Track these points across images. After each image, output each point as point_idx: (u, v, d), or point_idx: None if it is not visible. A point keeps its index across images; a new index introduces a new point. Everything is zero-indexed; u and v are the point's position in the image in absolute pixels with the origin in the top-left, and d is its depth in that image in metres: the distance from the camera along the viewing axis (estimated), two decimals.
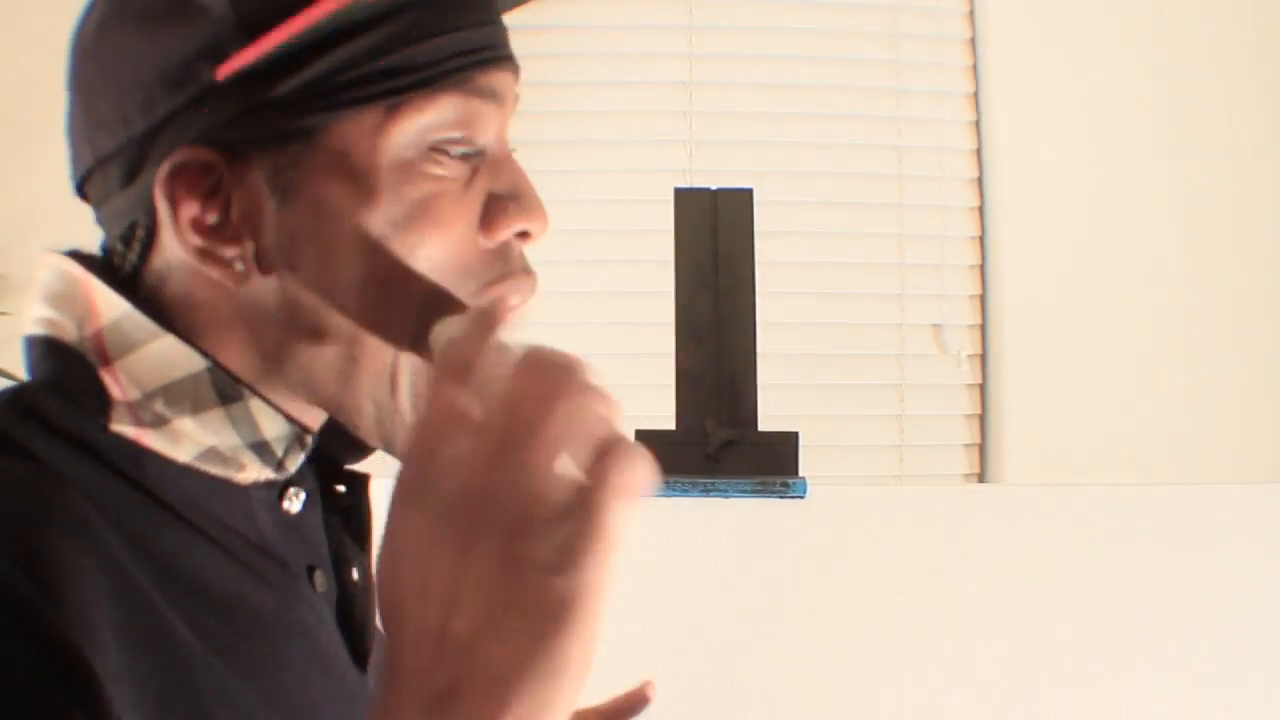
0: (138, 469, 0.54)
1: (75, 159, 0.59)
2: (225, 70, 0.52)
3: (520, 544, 0.41)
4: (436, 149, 0.55)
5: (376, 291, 0.54)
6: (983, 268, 2.14)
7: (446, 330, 0.54)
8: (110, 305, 0.55)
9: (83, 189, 0.60)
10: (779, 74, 2.15)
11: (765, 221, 1.72)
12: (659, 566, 1.58)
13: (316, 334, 0.55)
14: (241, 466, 0.57)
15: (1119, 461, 2.02)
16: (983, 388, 2.13)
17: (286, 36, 0.51)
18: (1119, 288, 2.11)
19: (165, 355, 0.54)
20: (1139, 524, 1.65)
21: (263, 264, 0.55)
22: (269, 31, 0.51)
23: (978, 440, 2.13)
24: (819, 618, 1.61)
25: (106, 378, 0.54)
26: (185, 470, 0.55)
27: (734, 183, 1.74)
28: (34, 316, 0.57)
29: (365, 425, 0.57)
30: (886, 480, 2.11)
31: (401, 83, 0.54)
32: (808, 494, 1.60)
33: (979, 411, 2.13)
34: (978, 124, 2.15)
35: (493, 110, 0.57)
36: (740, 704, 1.59)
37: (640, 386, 2.02)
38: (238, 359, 0.57)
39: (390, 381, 0.56)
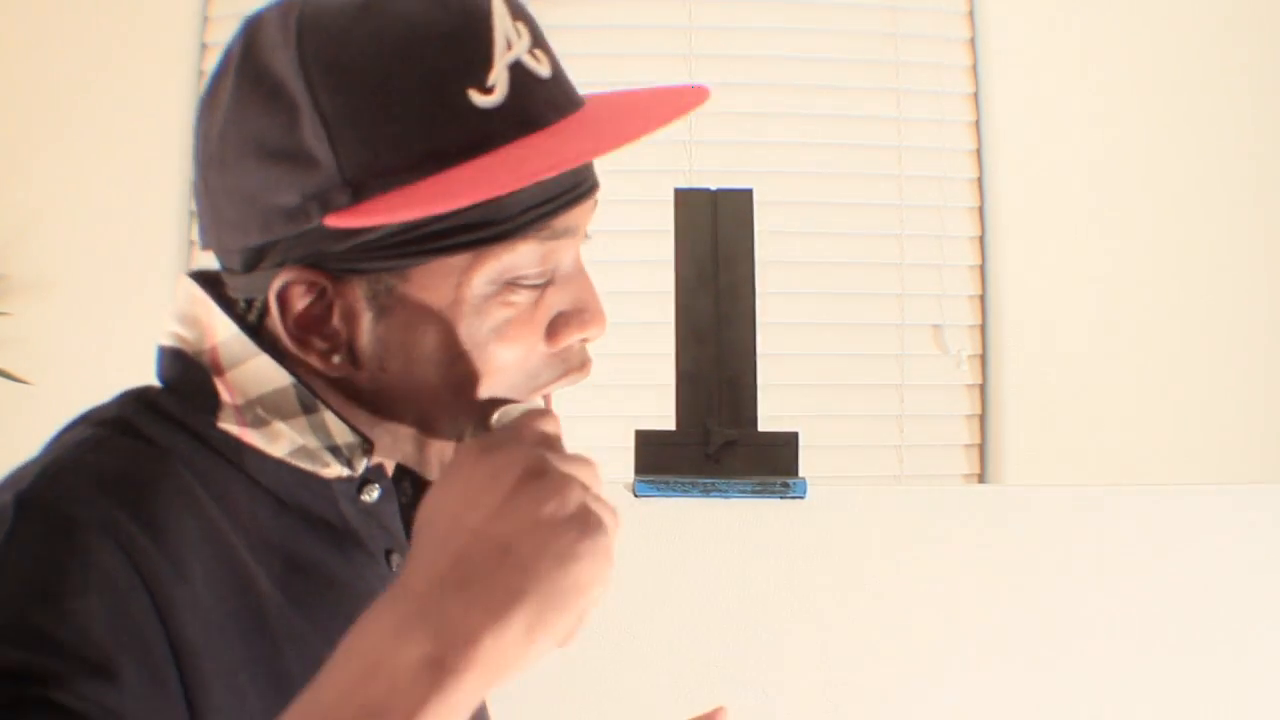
0: (240, 459, 0.64)
1: (203, 230, 0.67)
2: (332, 221, 0.59)
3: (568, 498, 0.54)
4: (512, 285, 0.63)
5: (451, 396, 0.64)
6: (983, 268, 2.14)
7: (507, 416, 0.64)
8: (224, 326, 0.65)
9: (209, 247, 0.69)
10: (779, 74, 2.15)
11: (765, 221, 1.72)
12: (659, 566, 1.58)
13: (397, 418, 0.66)
14: (326, 464, 0.65)
15: (1119, 461, 2.03)
16: (983, 388, 2.13)
17: (387, 220, 0.59)
18: (1119, 288, 2.11)
19: (262, 370, 0.64)
20: (1138, 524, 1.66)
21: (357, 361, 0.64)
22: (372, 200, 0.59)
23: (978, 440, 2.13)
24: (819, 618, 1.61)
25: (219, 384, 0.64)
26: (280, 464, 0.65)
27: (734, 183, 1.74)
28: (166, 330, 0.67)
29: (408, 460, 0.68)
30: (886, 480, 2.11)
31: (483, 235, 0.60)
32: (808, 494, 1.60)
33: (979, 411, 2.13)
34: (978, 124, 2.15)
35: (569, 243, 0.65)
36: (740, 703, 1.59)
37: (640, 386, 2.03)
38: (323, 391, 0.66)
39: (447, 444, 0.66)
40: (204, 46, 2.15)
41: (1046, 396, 2.08)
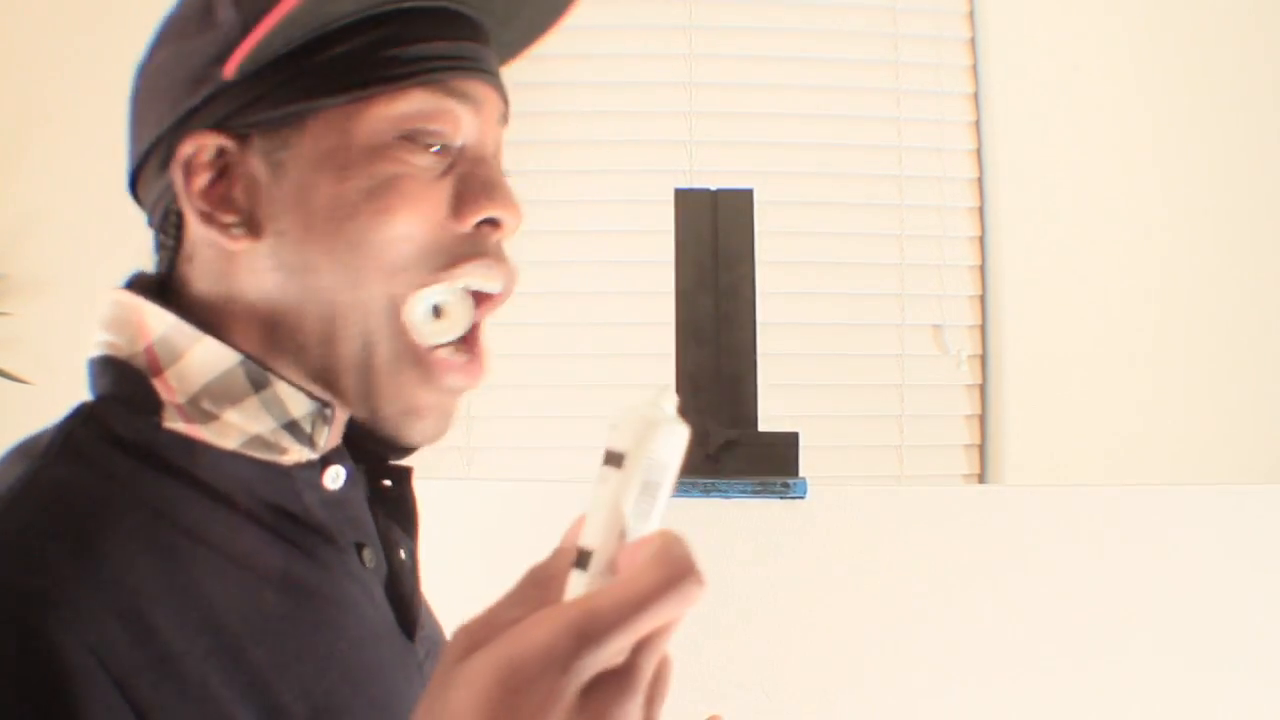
0: (190, 460, 0.61)
1: (129, 161, 0.68)
2: (230, 67, 0.61)
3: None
4: (406, 137, 0.63)
5: (348, 255, 0.62)
6: (983, 268, 2.14)
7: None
8: (159, 321, 0.63)
9: (136, 192, 0.70)
10: (779, 74, 2.15)
11: (765, 221, 1.72)
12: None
13: (300, 299, 0.63)
14: (284, 450, 0.63)
15: (1119, 461, 2.02)
16: (983, 388, 2.13)
17: (267, 28, 0.60)
18: (1119, 288, 2.11)
19: (206, 356, 0.62)
20: (1139, 524, 1.66)
21: (254, 229, 0.63)
22: (256, 28, 0.61)
23: (978, 440, 2.13)
24: (819, 618, 1.61)
25: (158, 384, 0.62)
26: (235, 457, 0.62)
27: (734, 183, 1.74)
28: (95, 341, 0.66)
29: (349, 395, 0.64)
30: (886, 480, 2.11)
31: (373, 76, 0.63)
32: (808, 494, 1.60)
33: (979, 412, 2.13)
34: (978, 124, 2.15)
35: (465, 110, 0.65)
36: (741, 703, 1.59)
37: (640, 386, 2.03)
38: (253, 340, 0.64)
39: (366, 349, 0.63)
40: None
41: (1046, 396, 2.08)
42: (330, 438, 0.66)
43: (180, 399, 0.62)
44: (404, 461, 0.73)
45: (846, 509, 1.64)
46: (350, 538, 0.67)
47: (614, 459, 0.48)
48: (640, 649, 0.43)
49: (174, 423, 0.62)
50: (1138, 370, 2.08)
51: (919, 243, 2.14)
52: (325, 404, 0.64)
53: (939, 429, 2.13)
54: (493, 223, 0.66)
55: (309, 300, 0.63)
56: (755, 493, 1.59)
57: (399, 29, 0.64)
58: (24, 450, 0.60)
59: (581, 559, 0.47)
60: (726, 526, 1.60)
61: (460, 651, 0.42)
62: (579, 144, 2.10)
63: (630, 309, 2.05)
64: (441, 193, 0.64)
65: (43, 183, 2.07)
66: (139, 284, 0.67)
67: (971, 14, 2.16)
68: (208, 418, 0.62)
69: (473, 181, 0.65)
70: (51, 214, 2.06)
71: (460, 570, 1.65)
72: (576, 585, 0.46)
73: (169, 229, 0.66)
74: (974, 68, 2.16)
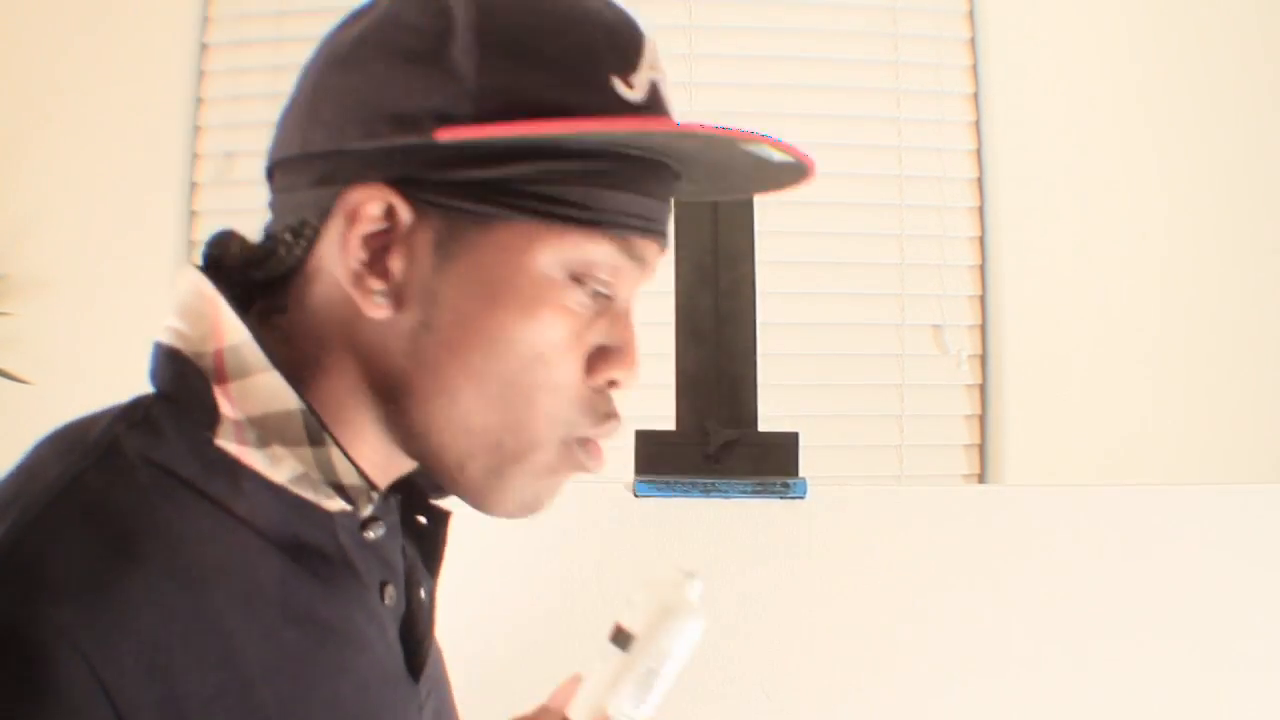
0: (234, 488, 0.58)
1: (280, 141, 0.64)
2: (446, 135, 0.57)
3: None
4: (578, 279, 0.61)
5: (493, 385, 0.60)
6: (983, 268, 2.14)
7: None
8: (233, 329, 0.59)
9: (272, 170, 0.65)
10: (779, 74, 2.15)
11: (765, 221, 1.72)
12: (659, 566, 1.57)
13: (432, 386, 0.61)
14: (330, 496, 0.61)
15: (1119, 461, 2.02)
16: (983, 388, 2.13)
17: (512, 135, 0.57)
18: (1119, 288, 2.11)
19: (271, 387, 0.59)
20: (1139, 524, 1.65)
21: (398, 304, 0.60)
22: (500, 123, 0.57)
23: (978, 440, 2.13)
24: (819, 618, 1.61)
25: (219, 394, 0.59)
26: (281, 491, 0.60)
27: None
28: (165, 325, 0.62)
29: (458, 480, 0.63)
30: (886, 480, 2.11)
31: (573, 213, 0.60)
32: (808, 494, 1.60)
33: (979, 411, 2.13)
34: (978, 124, 2.15)
35: (636, 272, 0.64)
36: (741, 703, 1.59)
37: (640, 386, 2.03)
38: (340, 388, 0.62)
39: (493, 457, 0.62)
40: (204, 46, 2.15)
41: (1046, 396, 2.08)
42: (374, 507, 0.65)
43: (239, 415, 0.59)
44: (445, 503, 0.71)
45: (846, 509, 1.64)
46: (377, 575, 0.65)
47: (622, 638, 0.47)
48: None
49: (226, 441, 0.59)
50: (1138, 370, 2.08)
51: (919, 243, 2.14)
52: (373, 486, 0.62)
53: (939, 429, 2.13)
54: (613, 382, 0.66)
55: (440, 392, 0.61)
56: (755, 493, 1.59)
57: (618, 171, 0.61)
58: (68, 441, 0.58)
59: None
60: (726, 526, 1.60)
61: None
62: None
63: None
64: (586, 342, 0.64)
65: (43, 183, 2.07)
66: (222, 271, 0.63)
67: (971, 14, 2.16)
68: (264, 443, 0.59)
69: (611, 340, 0.65)
70: (51, 214, 2.06)
71: (459, 570, 1.65)
72: None
73: (299, 241, 0.62)
74: (974, 68, 2.16)
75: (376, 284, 0.60)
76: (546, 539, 1.57)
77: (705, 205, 1.68)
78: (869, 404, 2.12)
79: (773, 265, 1.96)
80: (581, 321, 0.63)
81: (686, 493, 1.58)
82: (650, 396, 1.90)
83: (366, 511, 0.63)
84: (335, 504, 0.61)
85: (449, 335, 0.60)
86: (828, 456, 2.02)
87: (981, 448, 2.13)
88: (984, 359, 2.13)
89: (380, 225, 0.59)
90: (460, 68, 0.58)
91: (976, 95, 2.15)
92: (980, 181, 2.14)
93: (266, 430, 0.59)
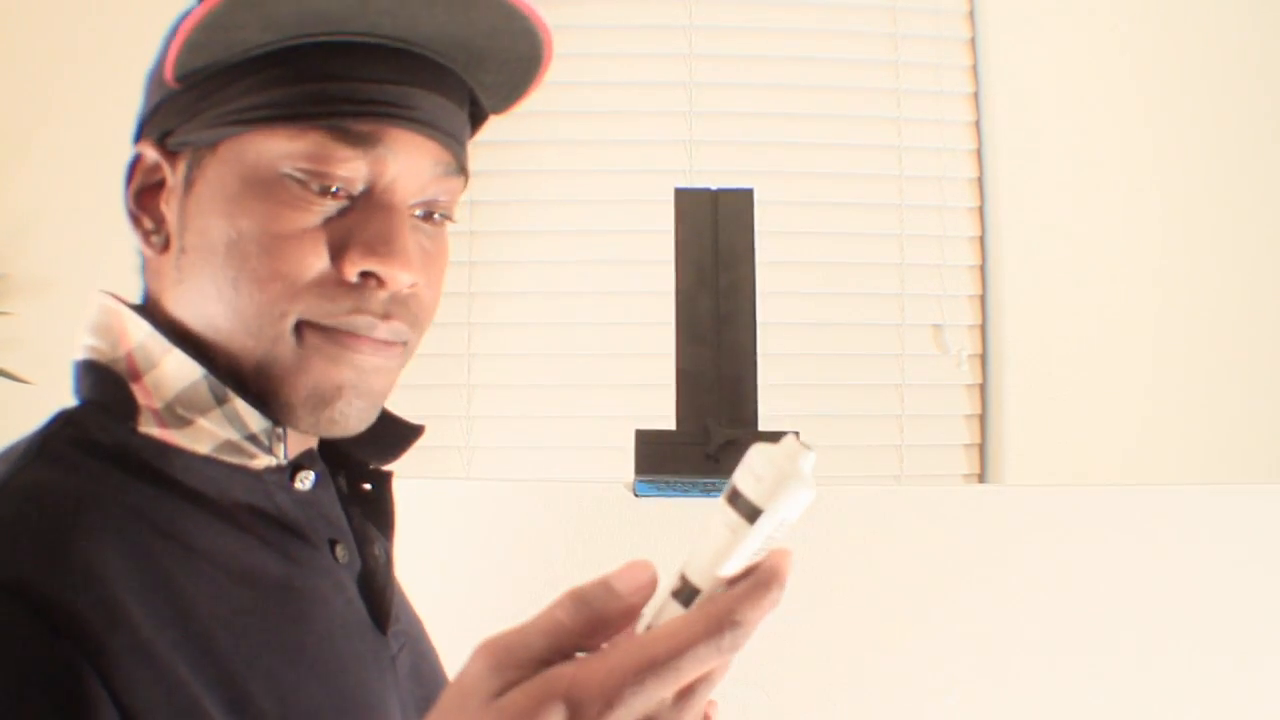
0: (165, 463, 0.63)
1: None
2: (167, 70, 0.64)
3: None
4: (289, 177, 0.63)
5: (231, 290, 0.63)
6: (983, 268, 2.14)
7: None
8: (137, 328, 0.66)
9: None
10: (779, 74, 2.15)
11: (765, 221, 1.72)
12: (659, 566, 1.58)
13: (197, 303, 0.65)
14: (253, 455, 0.65)
15: (1119, 461, 2.02)
16: (983, 388, 2.13)
17: (181, 39, 0.62)
18: (1119, 288, 2.11)
19: (176, 367, 0.64)
20: (1139, 524, 1.65)
21: (165, 241, 0.67)
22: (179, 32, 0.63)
23: (978, 440, 2.13)
24: (819, 617, 1.61)
25: (137, 390, 0.64)
26: (207, 460, 0.65)
27: (734, 183, 1.74)
28: (80, 344, 0.68)
29: (255, 390, 0.65)
30: (886, 480, 2.11)
31: (275, 113, 0.63)
32: None
33: (979, 411, 2.13)
34: (978, 124, 2.15)
35: (366, 156, 0.64)
36: (740, 703, 1.59)
37: (640, 386, 2.03)
38: (198, 349, 0.66)
39: (260, 364, 0.64)
40: None
41: (1046, 396, 2.08)
42: (297, 443, 0.68)
43: (157, 404, 0.64)
44: (388, 467, 0.75)
45: (846, 509, 1.63)
46: (324, 534, 0.68)
47: (744, 506, 0.47)
48: (685, 694, 0.45)
49: (149, 428, 0.64)
50: (1138, 370, 2.08)
51: (919, 243, 2.14)
52: (277, 422, 0.65)
53: (939, 429, 2.13)
54: (376, 278, 0.65)
55: (206, 321, 0.65)
56: None
57: (315, 64, 0.63)
58: (3, 453, 0.62)
59: (687, 594, 0.48)
60: None
61: (485, 673, 0.43)
62: (579, 144, 2.10)
63: (630, 309, 2.05)
64: (320, 238, 0.64)
65: (43, 183, 2.07)
66: (121, 291, 0.70)
67: (971, 14, 2.16)
68: (182, 423, 0.64)
69: (360, 232, 0.64)
70: (51, 214, 2.06)
71: (459, 570, 1.65)
72: (671, 617, 0.47)
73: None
74: (974, 68, 2.16)
75: (148, 223, 0.67)
76: (546, 539, 1.57)
77: (705, 205, 1.68)
78: (869, 404, 2.12)
79: (773, 265, 1.96)
80: (310, 215, 0.63)
81: (686, 493, 1.58)
82: (650, 396, 1.90)
83: (283, 450, 0.65)
84: (260, 461, 0.66)
85: (195, 253, 0.65)
86: (828, 456, 2.02)
87: (981, 448, 2.13)
88: (984, 359, 2.13)
89: (155, 178, 0.67)
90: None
91: (976, 95, 2.15)
92: (980, 181, 2.14)
93: (184, 407, 0.64)
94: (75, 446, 0.62)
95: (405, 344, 0.68)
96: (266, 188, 0.63)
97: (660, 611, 0.48)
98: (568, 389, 2.04)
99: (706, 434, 1.63)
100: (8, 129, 2.07)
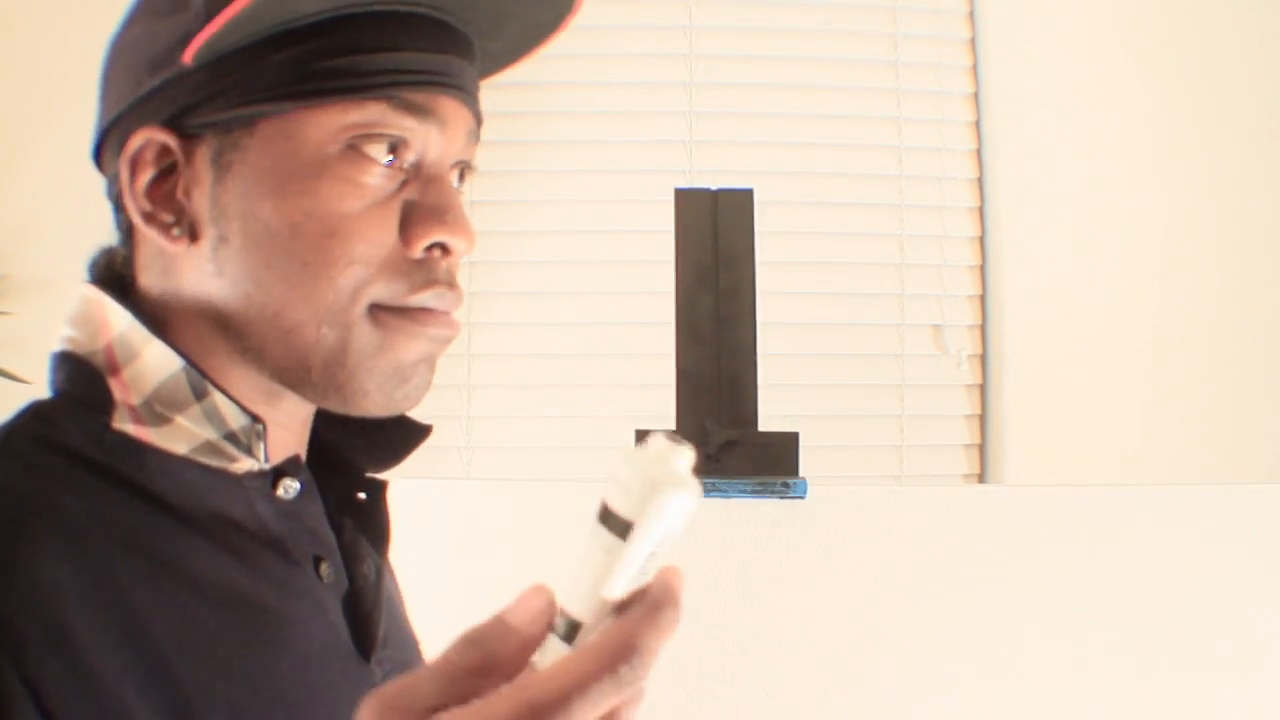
0: (137, 465, 0.59)
1: (95, 133, 0.68)
2: (189, 52, 0.59)
3: None
4: (355, 149, 0.60)
5: (298, 274, 0.60)
6: (983, 268, 2.14)
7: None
8: (119, 318, 0.62)
9: (100, 164, 0.69)
10: (779, 74, 2.15)
11: (765, 221, 1.72)
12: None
13: (246, 306, 0.61)
14: (233, 458, 0.61)
15: (1119, 461, 2.02)
16: (983, 388, 2.13)
17: (228, 17, 0.57)
18: (1119, 288, 2.11)
19: (156, 359, 0.60)
20: (1139, 524, 1.66)
21: (193, 231, 0.62)
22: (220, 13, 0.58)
23: (978, 440, 2.13)
24: (819, 617, 1.61)
25: (114, 383, 0.61)
26: (185, 463, 0.60)
27: (734, 183, 1.74)
28: (59, 336, 0.64)
29: (316, 386, 0.62)
30: (886, 480, 2.11)
31: (329, 85, 0.59)
32: (808, 494, 1.60)
33: (979, 412, 2.13)
34: (978, 124, 2.15)
35: (423, 127, 0.62)
36: (740, 703, 1.59)
37: (640, 386, 2.03)
38: (192, 337, 0.62)
39: (339, 337, 0.61)
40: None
41: (1046, 396, 2.08)
42: (283, 448, 0.64)
43: (135, 400, 0.60)
44: (383, 475, 0.71)
45: (846, 509, 1.64)
46: (308, 549, 0.64)
47: (616, 524, 0.42)
48: None
49: (124, 424, 0.60)
50: (1138, 370, 2.08)
51: (919, 243, 2.14)
52: (257, 419, 0.62)
53: (939, 429, 2.13)
54: (442, 247, 0.63)
55: (256, 308, 0.61)
56: (755, 493, 1.59)
57: (365, 35, 0.60)
58: None
59: (568, 631, 0.42)
60: (726, 526, 1.60)
61: None
62: (579, 144, 2.10)
63: (630, 309, 2.05)
64: (391, 214, 0.61)
65: (43, 183, 2.07)
66: (106, 278, 0.66)
67: (971, 14, 2.16)
68: (160, 421, 0.60)
69: (423, 204, 0.62)
70: (51, 214, 2.06)
71: (459, 570, 1.65)
72: (556, 657, 0.42)
73: (119, 212, 0.66)
74: (974, 68, 2.16)
75: (167, 216, 0.62)
76: (546, 539, 1.57)
77: (705, 205, 1.68)
78: (869, 404, 2.12)
79: (773, 265, 1.96)
80: (374, 190, 0.61)
81: None
82: (650, 396, 1.90)
83: (262, 451, 0.62)
84: (242, 464, 0.62)
85: (242, 241, 0.60)
86: (828, 456, 2.02)
87: (981, 448, 2.13)
88: (984, 359, 2.13)
89: (163, 165, 0.62)
90: (195, 1, 0.60)
91: (976, 95, 2.15)
92: (980, 181, 2.14)
93: (160, 404, 0.60)
94: (39, 443, 0.58)
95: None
96: (326, 165, 0.60)
97: (544, 652, 0.43)
98: (568, 389, 2.04)
99: (706, 434, 1.63)
100: (8, 129, 2.07)
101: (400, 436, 0.71)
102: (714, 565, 1.60)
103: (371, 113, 0.60)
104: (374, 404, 0.62)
